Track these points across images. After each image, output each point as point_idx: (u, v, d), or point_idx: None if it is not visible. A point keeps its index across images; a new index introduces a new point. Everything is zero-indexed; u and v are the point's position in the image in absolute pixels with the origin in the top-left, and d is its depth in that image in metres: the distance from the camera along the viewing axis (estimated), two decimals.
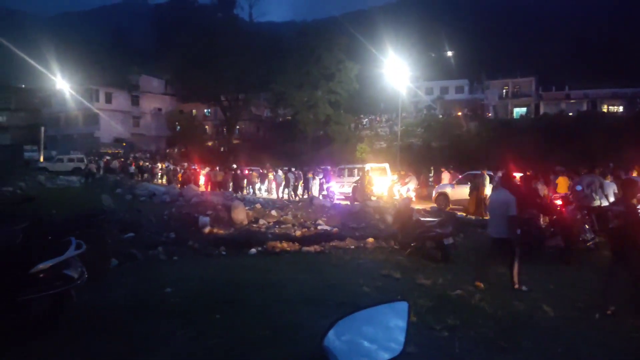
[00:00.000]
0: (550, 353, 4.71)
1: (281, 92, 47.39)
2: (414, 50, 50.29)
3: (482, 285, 6.98)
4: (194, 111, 63.04)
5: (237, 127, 58.19)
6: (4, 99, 61.27)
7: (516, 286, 6.85)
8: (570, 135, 33.46)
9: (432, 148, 38.72)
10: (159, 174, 37.41)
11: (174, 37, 53.50)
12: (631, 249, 5.62)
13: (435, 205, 19.03)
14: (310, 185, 24.82)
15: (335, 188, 23.93)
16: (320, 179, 24.90)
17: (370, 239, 11.34)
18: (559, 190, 14.57)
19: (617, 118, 42.44)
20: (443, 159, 30.08)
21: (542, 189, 13.58)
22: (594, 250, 9.61)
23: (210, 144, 57.56)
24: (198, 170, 33.00)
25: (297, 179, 25.64)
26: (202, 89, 50.19)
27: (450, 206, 18.66)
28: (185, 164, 39.05)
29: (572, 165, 17.81)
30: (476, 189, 16.81)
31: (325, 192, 23.39)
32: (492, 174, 17.87)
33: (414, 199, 16.39)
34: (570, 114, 44.09)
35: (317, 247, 10.46)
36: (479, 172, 17.98)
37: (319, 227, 13.44)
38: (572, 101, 53.81)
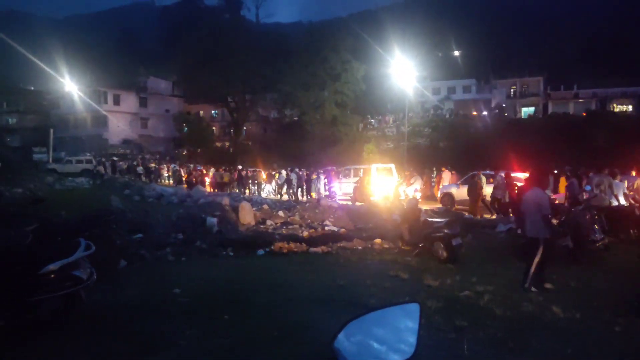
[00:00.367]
0: (559, 354, 4.67)
1: (288, 93, 47.43)
2: (421, 50, 50.14)
3: (550, 285, 6.92)
4: (201, 112, 63.26)
5: (244, 128, 58.28)
6: (13, 101, 61.88)
7: (526, 285, 6.79)
8: (578, 134, 33.19)
9: (439, 148, 38.55)
10: (165, 174, 37.64)
11: (181, 39, 53.76)
12: None
13: (441, 205, 18.98)
14: (311, 186, 24.80)
15: (338, 188, 23.99)
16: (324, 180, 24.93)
17: (378, 240, 11.32)
18: (560, 191, 14.55)
19: (626, 117, 42.03)
20: (450, 159, 29.93)
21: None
22: (604, 251, 9.54)
23: (217, 145, 57.67)
24: (204, 171, 33.17)
25: (299, 180, 25.66)
26: (209, 90, 50.33)
27: (456, 206, 18.60)
28: (191, 165, 39.26)
29: (581, 165, 17.73)
30: (474, 189, 16.77)
31: (327, 192, 23.46)
32: (492, 173, 17.85)
33: (419, 199, 16.36)
34: (584, 114, 43.60)
35: (324, 248, 10.46)
36: (475, 172, 18.00)
37: (326, 228, 13.43)
38: (580, 100, 53.38)
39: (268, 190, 28.85)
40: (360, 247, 10.71)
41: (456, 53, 64.44)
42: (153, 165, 39.61)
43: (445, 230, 9.10)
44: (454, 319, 5.47)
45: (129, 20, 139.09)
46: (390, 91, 43.98)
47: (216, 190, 26.95)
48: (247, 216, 13.98)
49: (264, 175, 29.94)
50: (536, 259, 6.79)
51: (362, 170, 23.64)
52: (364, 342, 1.50)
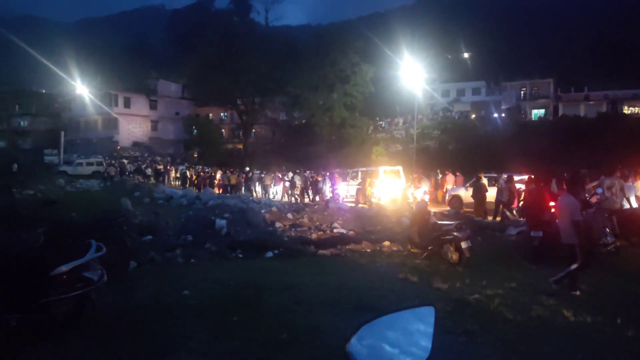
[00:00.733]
0: (570, 358, 4.63)
1: (297, 95, 47.53)
2: (430, 52, 50.01)
3: (578, 293, 6.87)
4: (210, 115, 63.60)
5: (253, 130, 58.49)
6: (25, 104, 62.54)
7: (573, 292, 6.77)
8: (590, 137, 32.92)
9: (448, 150, 38.43)
10: (173, 176, 37.88)
11: (191, 42, 54.19)
12: None
13: (448, 207, 18.93)
14: (317, 189, 24.84)
15: (345, 190, 24.03)
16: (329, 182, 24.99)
17: (387, 242, 11.30)
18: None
19: (638, 119, 41.61)
20: (459, 162, 29.83)
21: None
22: (615, 254, 9.43)
23: (228, 147, 57.92)
24: (212, 173, 33.32)
25: (305, 182, 25.70)
26: (218, 92, 50.62)
27: (464, 209, 18.52)
28: (199, 167, 39.47)
29: (593, 167, 17.58)
30: (478, 191, 16.72)
31: (331, 195, 23.55)
32: (495, 176, 17.78)
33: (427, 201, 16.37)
34: (597, 115, 43.21)
35: (333, 250, 10.46)
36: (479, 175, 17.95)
37: (335, 230, 13.43)
38: (591, 102, 52.95)
39: (274, 193, 28.83)
40: (369, 250, 10.69)
41: (465, 55, 64.15)
42: (161, 167, 39.83)
43: (455, 233, 9.05)
44: (464, 322, 5.43)
45: (139, 23, 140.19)
46: (399, 93, 43.94)
47: (224, 192, 27.07)
48: (255, 218, 14.01)
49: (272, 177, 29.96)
50: (574, 265, 6.76)
51: (366, 173, 23.71)
52: (377, 346, 1.49)
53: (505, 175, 16.66)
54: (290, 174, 27.64)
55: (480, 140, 37.90)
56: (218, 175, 32.20)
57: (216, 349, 4.63)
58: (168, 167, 40.18)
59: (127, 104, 58.76)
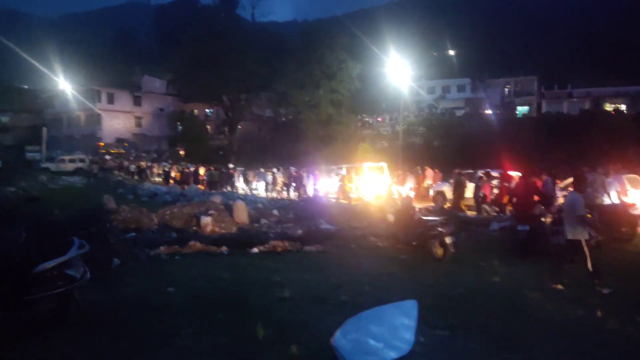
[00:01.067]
0: (554, 351, 4.69)
1: (283, 92, 47.30)
2: (416, 49, 50.14)
3: (560, 286, 6.94)
4: (195, 111, 63.04)
5: (239, 127, 58.16)
6: (7, 100, 61.35)
7: (598, 288, 6.73)
8: (572, 133, 33.32)
9: (433, 147, 38.63)
10: (156, 173, 37.55)
11: (176, 38, 53.64)
12: None
13: (433, 203, 19.06)
14: (301, 185, 24.88)
15: (329, 187, 24.11)
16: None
17: (372, 238, 11.33)
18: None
19: (620, 116, 42.20)
20: (444, 158, 30.02)
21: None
22: (596, 249, 9.57)
23: (213, 143, 57.51)
24: (196, 169, 33.05)
25: (289, 178, 25.72)
26: (204, 89, 50.18)
27: (447, 204, 18.65)
28: (182, 164, 39.16)
29: (574, 164, 17.82)
30: (458, 187, 16.92)
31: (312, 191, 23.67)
32: (472, 172, 18.05)
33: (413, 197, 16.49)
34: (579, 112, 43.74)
35: (318, 247, 10.46)
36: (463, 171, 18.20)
37: (321, 227, 13.43)
38: (574, 100, 53.66)
39: (255, 188, 28.68)
40: (354, 246, 10.72)
41: (451, 52, 64.48)
42: (143, 164, 39.37)
43: (439, 229, 9.12)
44: (449, 316, 5.49)
45: (124, 19, 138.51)
46: (385, 90, 43.95)
47: (210, 189, 26.92)
48: (241, 215, 13.95)
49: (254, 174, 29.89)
50: (588, 262, 6.80)
51: (346, 169, 23.83)
52: (362, 340, 1.50)
53: (480, 172, 16.96)
54: (275, 170, 27.63)
55: (465, 137, 38.14)
56: (202, 172, 31.96)
57: (201, 346, 4.61)
58: (150, 164, 39.72)
59: (110, 100, 57.95)
